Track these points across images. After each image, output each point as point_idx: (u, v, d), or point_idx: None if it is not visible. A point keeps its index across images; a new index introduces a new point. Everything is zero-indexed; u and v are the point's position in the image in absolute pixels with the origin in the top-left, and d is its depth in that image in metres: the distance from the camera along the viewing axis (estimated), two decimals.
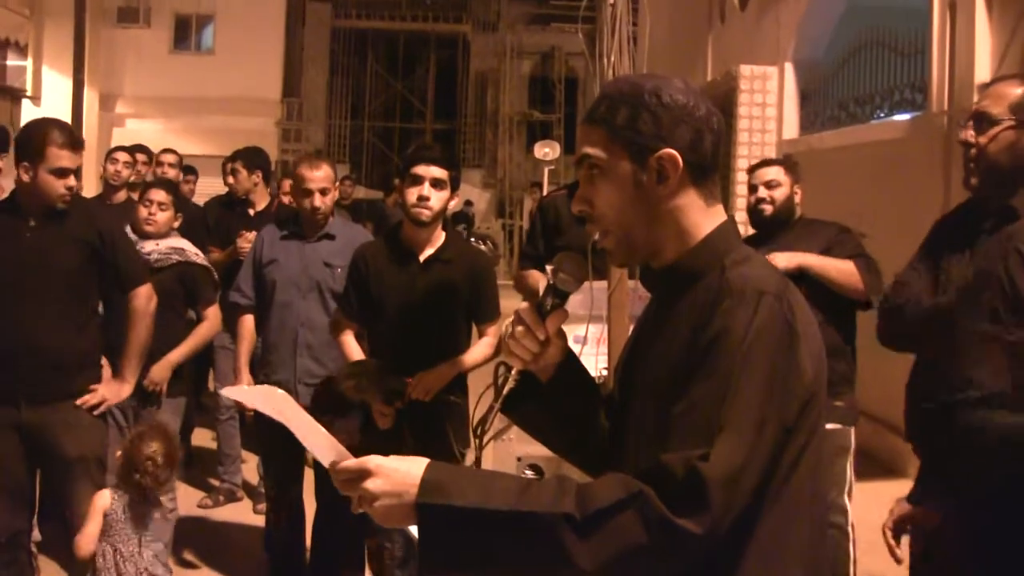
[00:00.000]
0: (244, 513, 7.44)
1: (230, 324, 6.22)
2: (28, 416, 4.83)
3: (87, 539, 4.59)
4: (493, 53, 35.00)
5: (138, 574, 4.60)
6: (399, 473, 1.94)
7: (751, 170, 5.72)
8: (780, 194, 5.44)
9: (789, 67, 11.98)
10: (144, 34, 27.45)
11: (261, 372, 5.87)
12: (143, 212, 5.97)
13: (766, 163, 5.70)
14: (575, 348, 4.39)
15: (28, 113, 21.11)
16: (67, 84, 19.89)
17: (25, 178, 4.81)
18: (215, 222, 7.96)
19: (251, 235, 6.92)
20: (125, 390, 5.13)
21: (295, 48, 30.35)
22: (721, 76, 12.92)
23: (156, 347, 5.57)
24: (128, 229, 5.88)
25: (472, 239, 28.38)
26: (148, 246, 5.88)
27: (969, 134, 3.67)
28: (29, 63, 25.85)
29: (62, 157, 4.79)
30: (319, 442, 2.07)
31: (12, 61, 25.42)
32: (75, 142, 4.89)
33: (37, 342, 4.82)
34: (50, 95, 24.20)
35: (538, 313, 2.25)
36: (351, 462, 1.98)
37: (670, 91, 2.12)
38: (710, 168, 2.15)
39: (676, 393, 1.96)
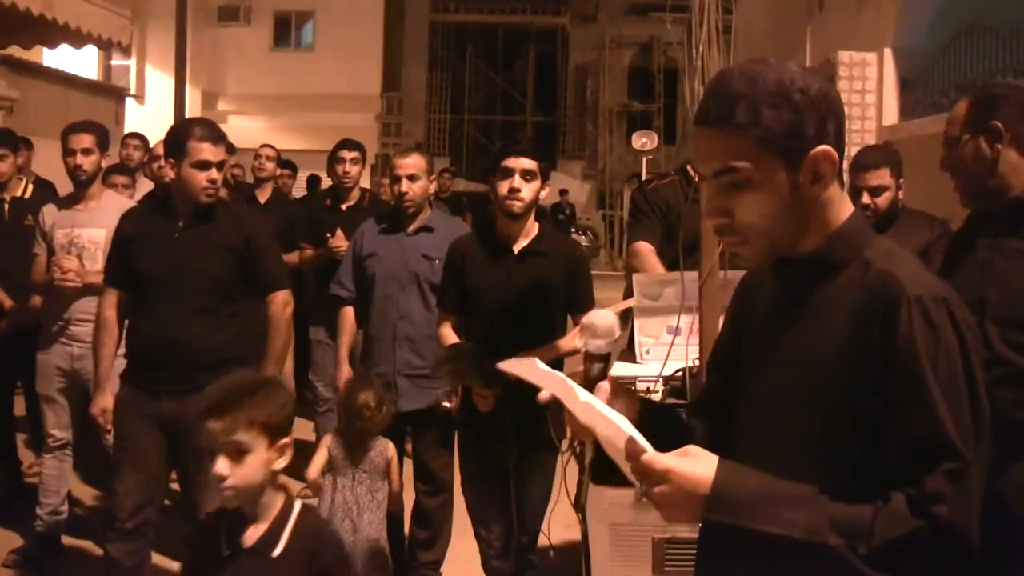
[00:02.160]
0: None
1: (331, 317, 6.29)
2: (168, 408, 4.95)
3: (315, 469, 5.54)
4: (592, 45, 34.94)
5: (347, 501, 5.39)
6: (689, 482, 1.92)
7: (855, 165, 5.41)
8: (884, 200, 5.25)
9: (889, 53, 11.77)
10: (245, 32, 27.87)
11: (362, 365, 5.96)
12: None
13: (871, 159, 5.39)
14: (667, 339, 4.39)
15: (132, 112, 21.55)
16: (170, 83, 20.20)
17: (172, 175, 5.02)
18: (307, 217, 8.00)
19: (340, 236, 7.00)
20: None
21: (394, 43, 30.55)
22: (820, 64, 12.76)
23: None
24: None
25: (573, 230, 28.37)
26: None
27: (943, 160, 3.71)
28: (133, 63, 26.44)
29: (203, 150, 4.94)
30: (598, 420, 2.05)
31: (116, 61, 26.01)
32: (216, 136, 5.03)
33: (179, 339, 4.96)
34: (153, 94, 24.74)
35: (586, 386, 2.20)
36: (645, 457, 1.95)
37: (807, 82, 2.01)
38: (844, 154, 2.07)
39: (849, 399, 1.93)
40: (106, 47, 11.99)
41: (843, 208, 2.08)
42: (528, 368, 2.18)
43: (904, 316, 1.89)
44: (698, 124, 2.08)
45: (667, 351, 4.31)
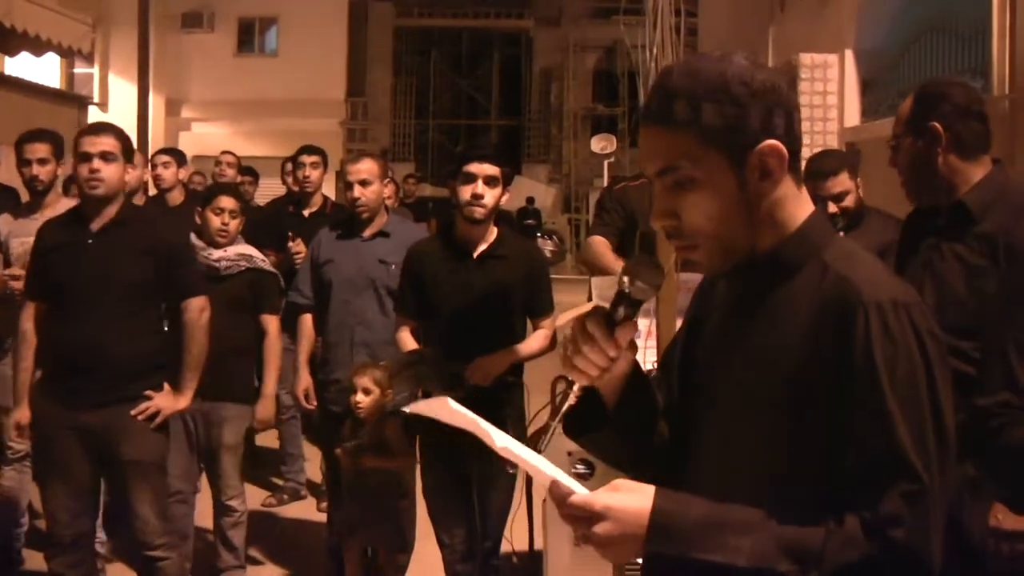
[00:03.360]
0: (308, 511, 7.51)
1: (289, 324, 6.26)
2: (89, 419, 4.92)
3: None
4: (556, 48, 34.95)
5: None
6: (628, 515, 1.80)
7: (812, 173, 5.41)
8: (849, 202, 5.24)
9: (850, 55, 11.81)
10: (209, 38, 27.62)
11: (321, 371, 5.94)
12: (216, 222, 5.98)
13: (828, 166, 5.30)
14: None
15: (93, 119, 21.34)
16: (133, 90, 20.12)
17: (70, 172, 4.99)
18: (269, 223, 7.97)
19: (299, 243, 6.98)
20: (182, 402, 5.19)
21: (359, 48, 30.42)
22: (782, 65, 12.79)
23: (228, 352, 5.71)
24: (193, 236, 5.97)
25: (540, 235, 28.37)
26: (216, 253, 5.93)
27: (891, 160, 3.67)
28: (96, 71, 26.25)
29: (82, 143, 4.93)
30: (525, 459, 1.92)
31: (80, 69, 25.81)
32: (98, 128, 5.06)
33: (98, 347, 4.90)
34: (117, 102, 24.49)
35: (608, 324, 2.05)
36: (577, 499, 1.82)
37: (752, 74, 1.90)
38: (799, 150, 1.96)
39: (803, 411, 1.81)
40: (67, 55, 11.93)
41: (800, 207, 1.97)
42: (440, 408, 2.05)
43: (861, 324, 1.78)
44: (641, 122, 1.99)
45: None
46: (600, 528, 1.80)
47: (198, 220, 6.12)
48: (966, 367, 3.26)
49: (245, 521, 6.16)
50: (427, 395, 4.97)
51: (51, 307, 5.08)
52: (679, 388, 2.16)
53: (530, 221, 29.41)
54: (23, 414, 5.11)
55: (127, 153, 5.07)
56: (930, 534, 1.75)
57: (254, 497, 7.69)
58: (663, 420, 2.21)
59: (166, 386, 5.15)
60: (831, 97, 11.80)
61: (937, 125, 3.46)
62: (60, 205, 6.30)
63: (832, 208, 5.20)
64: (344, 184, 5.88)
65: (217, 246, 5.94)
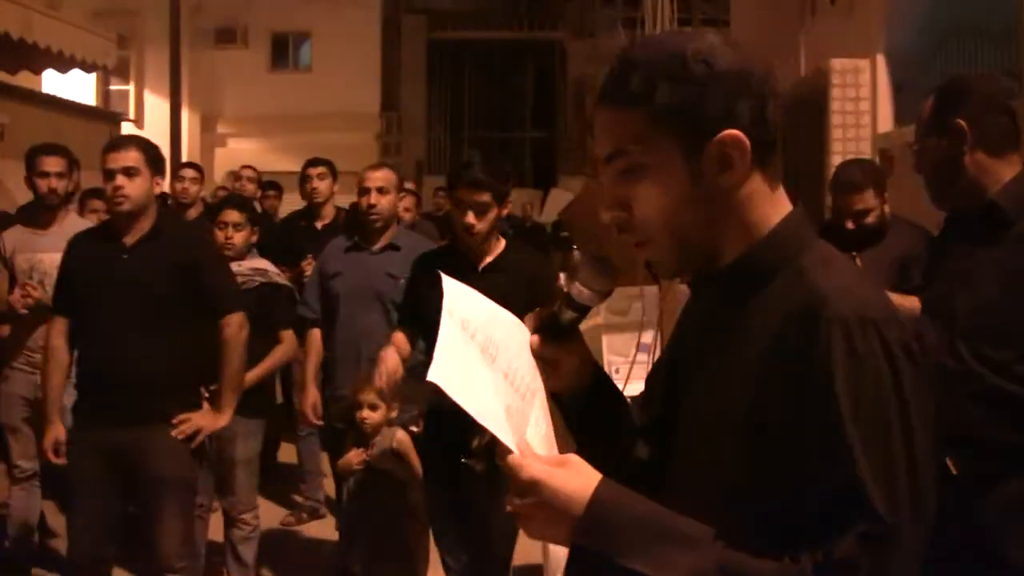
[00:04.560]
0: (326, 530, 7.39)
1: (298, 338, 6.16)
2: (120, 437, 4.84)
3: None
4: (590, 59, 34.77)
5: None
6: (560, 498, 1.60)
7: (837, 182, 5.15)
8: (871, 219, 5.04)
9: (881, 59, 11.64)
10: (242, 54, 27.75)
11: (327, 387, 5.84)
12: (219, 236, 5.90)
13: (853, 179, 5.10)
14: (639, 357, 4.21)
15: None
16: (167, 107, 20.14)
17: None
18: (282, 237, 7.89)
19: (310, 261, 6.89)
20: (221, 420, 5.10)
21: (392, 62, 30.45)
22: (812, 72, 12.65)
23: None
24: None
25: (575, 247, 28.20)
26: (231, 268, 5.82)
27: (915, 166, 3.47)
28: (131, 88, 26.39)
29: (105, 160, 4.85)
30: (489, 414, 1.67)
31: (115, 86, 25.96)
32: (119, 144, 4.95)
33: (129, 362, 4.81)
34: (151, 118, 24.61)
35: (549, 327, 1.92)
36: (512, 459, 1.62)
37: (719, 52, 1.67)
38: (775, 143, 1.72)
39: (763, 447, 1.59)
40: (91, 70, 11.91)
41: (773, 208, 1.74)
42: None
43: (822, 342, 1.55)
44: (597, 101, 1.79)
45: (628, 370, 4.14)
46: (522, 501, 1.63)
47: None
48: (1017, 387, 3.07)
49: (257, 537, 6.06)
50: (432, 410, 4.85)
51: (82, 323, 5.00)
52: (661, 405, 1.95)
53: (565, 233, 29.26)
54: (57, 431, 5.02)
55: (154, 164, 4.94)
56: None
57: (274, 515, 7.61)
58: (641, 438, 2.00)
59: (205, 404, 5.08)
60: (863, 103, 11.64)
61: (961, 122, 3.25)
62: (69, 221, 6.24)
63: (849, 225, 5.01)
64: (360, 190, 5.75)
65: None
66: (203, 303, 5.01)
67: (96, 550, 4.94)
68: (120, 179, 4.80)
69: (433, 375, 1.65)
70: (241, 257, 5.91)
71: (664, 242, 1.74)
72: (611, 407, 2.01)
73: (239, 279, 5.76)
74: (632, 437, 2.00)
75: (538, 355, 1.91)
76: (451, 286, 1.94)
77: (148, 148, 4.97)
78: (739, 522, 1.61)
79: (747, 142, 1.67)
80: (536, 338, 1.92)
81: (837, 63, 11.70)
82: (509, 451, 1.64)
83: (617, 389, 2.07)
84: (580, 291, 1.88)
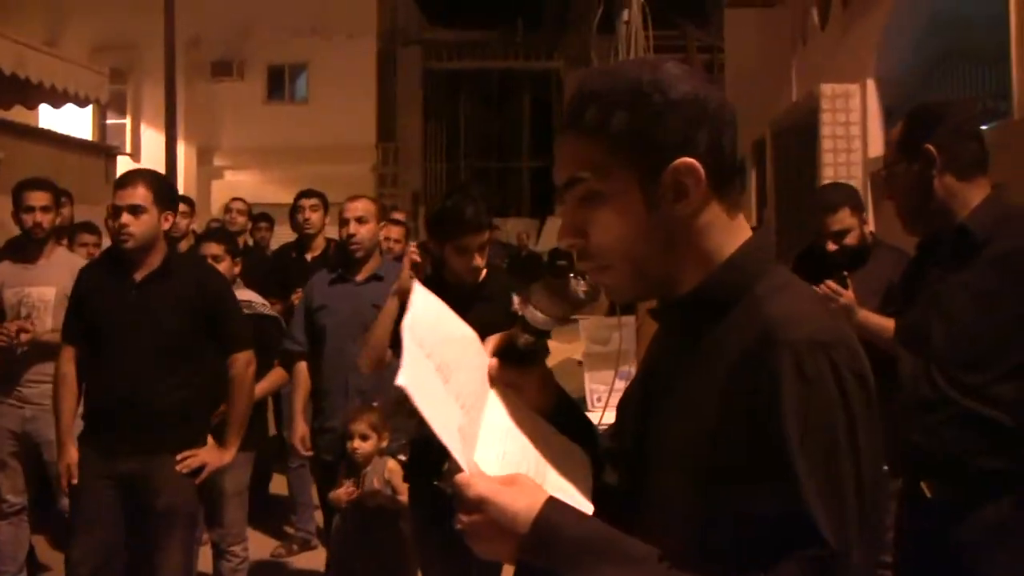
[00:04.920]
0: (317, 561, 7.34)
1: (286, 372, 6.16)
2: (126, 467, 4.85)
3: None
4: None
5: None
6: (505, 515, 1.61)
7: (815, 204, 5.24)
8: (851, 239, 5.09)
9: (871, 84, 11.68)
10: (239, 87, 27.88)
11: (315, 420, 5.82)
12: None
13: (829, 199, 5.18)
14: (619, 386, 4.19)
15: (124, 170, 21.46)
16: (163, 140, 20.18)
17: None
18: (273, 269, 7.91)
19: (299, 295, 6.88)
20: (227, 456, 5.10)
21: (388, 93, 30.56)
22: (803, 96, 12.69)
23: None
24: None
25: (572, 276, 28.24)
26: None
27: (885, 192, 3.53)
28: (128, 121, 26.47)
29: (115, 196, 4.87)
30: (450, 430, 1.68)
31: (112, 120, 26.04)
32: (126, 181, 4.91)
33: (136, 396, 4.82)
34: (148, 152, 24.69)
35: (508, 351, 1.90)
36: (460, 478, 1.63)
37: (674, 82, 1.69)
38: (731, 172, 1.73)
39: (716, 472, 1.58)
40: (84, 104, 11.95)
41: (731, 236, 1.73)
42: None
43: (771, 367, 1.55)
44: (558, 130, 1.80)
45: (606, 399, 4.13)
46: (468, 518, 1.63)
47: None
48: (990, 410, 3.11)
49: (246, 569, 6.05)
50: (418, 439, 4.83)
51: (90, 352, 5.01)
52: (630, 432, 1.92)
53: (562, 262, 29.27)
54: (72, 456, 4.97)
55: (163, 200, 4.90)
56: None
57: (265, 546, 7.58)
58: (608, 463, 1.99)
59: (210, 440, 5.08)
60: (854, 127, 11.67)
61: (930, 147, 3.29)
62: (57, 255, 6.26)
63: (831, 247, 5.04)
64: (340, 221, 5.77)
65: None
66: (211, 339, 5.03)
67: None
68: (125, 217, 4.79)
69: (402, 380, 1.64)
70: None
71: (621, 269, 1.74)
72: (576, 431, 1.99)
73: None
74: (598, 462, 1.98)
75: (497, 380, 1.90)
76: (419, 298, 1.91)
77: (157, 185, 4.94)
78: (694, 547, 1.61)
79: (702, 170, 1.67)
80: (495, 362, 1.91)
81: (828, 88, 11.75)
82: (459, 469, 1.65)
83: (582, 413, 2.06)
84: (535, 315, 1.87)
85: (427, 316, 1.89)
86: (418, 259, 4.77)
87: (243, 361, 5.10)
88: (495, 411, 1.86)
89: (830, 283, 4.32)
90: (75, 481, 4.98)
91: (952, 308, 3.24)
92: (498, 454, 1.75)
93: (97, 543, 4.92)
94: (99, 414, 4.97)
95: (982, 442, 3.11)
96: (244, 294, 5.99)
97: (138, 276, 4.91)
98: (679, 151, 1.67)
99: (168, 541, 4.92)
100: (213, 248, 5.97)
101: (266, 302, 6.22)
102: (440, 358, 1.79)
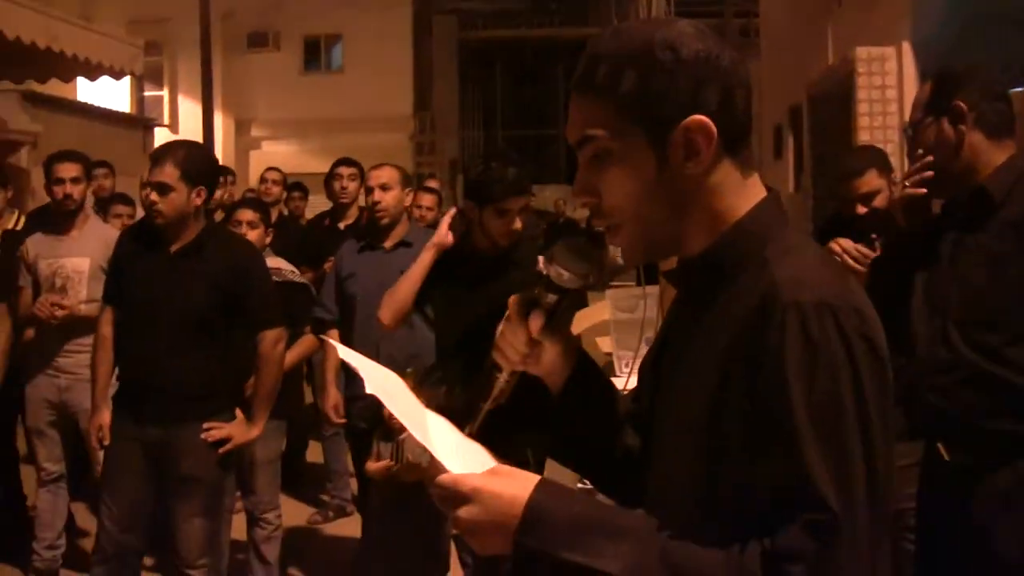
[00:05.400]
0: (353, 528, 7.40)
1: (317, 340, 6.19)
2: (154, 432, 4.90)
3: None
4: None
5: None
6: (500, 501, 1.62)
7: (840, 174, 5.14)
8: (879, 201, 4.92)
9: (907, 47, 11.55)
10: (275, 58, 28.00)
11: (346, 388, 5.85)
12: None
13: (855, 165, 5.05)
14: (644, 352, 4.20)
15: (162, 141, 21.61)
16: (200, 112, 20.30)
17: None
18: (306, 238, 7.94)
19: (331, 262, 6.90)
20: (253, 432, 5.12)
21: (424, 62, 30.52)
22: (839, 61, 12.58)
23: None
24: None
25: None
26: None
27: (909, 152, 3.49)
28: (165, 93, 26.62)
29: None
30: (425, 437, 1.75)
31: (149, 92, 26.19)
32: (157, 157, 4.91)
33: (163, 369, 4.86)
34: (186, 123, 24.84)
35: (527, 308, 1.90)
36: (445, 479, 1.66)
37: (685, 40, 1.67)
38: (745, 131, 1.71)
39: (720, 436, 1.58)
40: (119, 76, 11.99)
41: (743, 197, 1.71)
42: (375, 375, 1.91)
43: (775, 329, 1.53)
44: (572, 89, 1.79)
45: (633, 365, 4.14)
46: (465, 511, 1.63)
47: None
48: (1004, 371, 3.08)
49: (279, 536, 6.08)
50: (450, 405, 4.83)
51: (123, 319, 5.07)
52: (647, 398, 1.94)
53: (599, 229, 29.30)
54: (104, 417, 5.04)
55: (194, 176, 4.85)
56: (840, 572, 1.50)
57: (301, 514, 7.65)
58: (631, 426, 2.00)
59: (239, 414, 5.09)
60: (890, 91, 11.55)
61: (961, 103, 3.27)
62: (89, 226, 6.31)
63: (860, 210, 4.97)
64: (365, 189, 5.81)
65: None
66: (241, 316, 5.04)
67: (122, 539, 4.98)
68: (153, 195, 4.82)
69: (370, 388, 1.73)
70: None
71: (631, 228, 1.74)
72: (597, 394, 2.00)
73: None
74: (621, 425, 2.00)
75: (519, 336, 1.91)
76: (341, 350, 2.04)
77: (188, 161, 4.87)
78: (699, 511, 1.62)
79: (713, 128, 1.65)
80: (530, 321, 1.91)
81: (863, 51, 11.62)
82: (442, 471, 1.67)
83: (604, 376, 2.06)
84: (559, 273, 1.87)
85: (352, 357, 1.97)
86: (457, 219, 4.75)
87: (271, 339, 5.09)
88: (438, 425, 1.90)
89: (840, 241, 4.21)
90: (106, 442, 5.03)
91: (968, 269, 3.22)
92: (462, 460, 1.76)
93: (127, 504, 4.98)
94: (130, 379, 5.04)
95: (997, 404, 3.09)
96: (274, 261, 6.00)
97: (173, 248, 4.92)
98: (689, 110, 1.65)
99: (189, 507, 4.96)
100: (248, 215, 5.97)
101: (295, 269, 6.23)
102: (384, 381, 1.87)
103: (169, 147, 5.04)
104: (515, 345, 1.91)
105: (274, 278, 5.79)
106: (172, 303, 4.88)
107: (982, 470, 3.14)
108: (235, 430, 5.01)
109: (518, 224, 4.51)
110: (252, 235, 5.84)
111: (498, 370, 1.94)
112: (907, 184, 3.47)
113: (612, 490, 2.05)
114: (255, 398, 5.12)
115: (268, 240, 6.06)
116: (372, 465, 5.08)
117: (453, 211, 4.97)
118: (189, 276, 4.89)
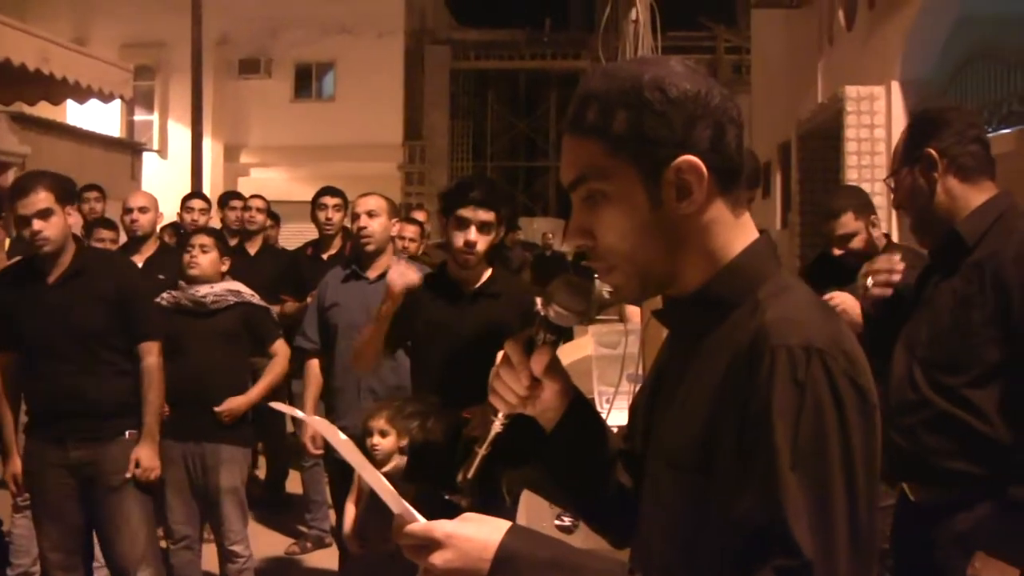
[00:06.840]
0: (331, 560, 7.34)
1: (297, 370, 6.15)
2: (76, 454, 5.05)
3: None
4: None
5: None
6: (472, 545, 1.61)
7: (820, 214, 5.23)
8: (856, 244, 5.03)
9: (896, 86, 11.60)
10: (266, 84, 27.99)
11: (327, 418, 5.80)
12: (186, 257, 5.94)
13: (832, 205, 5.14)
14: (625, 387, 4.16)
15: (152, 167, 21.74)
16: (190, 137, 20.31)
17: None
18: (289, 268, 7.86)
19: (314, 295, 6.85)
20: (146, 449, 5.16)
21: (415, 91, 30.55)
22: (829, 99, 12.63)
23: (223, 390, 5.78)
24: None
25: (596, 276, 28.16)
26: (203, 289, 5.84)
27: (893, 201, 3.52)
28: (156, 118, 26.61)
29: (16, 207, 4.87)
30: (382, 489, 1.76)
31: (139, 116, 26.19)
32: (26, 189, 4.90)
33: (75, 393, 4.98)
34: (175, 148, 24.81)
35: (527, 349, 1.89)
36: (417, 527, 1.65)
37: (674, 79, 1.67)
38: (736, 170, 1.72)
39: (706, 476, 1.59)
40: (109, 100, 11.94)
41: (736, 236, 1.73)
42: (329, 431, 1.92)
43: (764, 371, 1.53)
44: (564, 132, 1.80)
45: (613, 400, 4.10)
46: (439, 557, 1.62)
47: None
48: (964, 413, 3.11)
49: (251, 568, 6.02)
50: (424, 438, 4.79)
51: (21, 358, 5.15)
52: (639, 436, 1.95)
53: (587, 262, 29.29)
54: (15, 465, 5.19)
55: (64, 197, 4.96)
56: None
57: (279, 544, 7.59)
58: (622, 464, 2.00)
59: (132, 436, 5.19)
60: (879, 130, 11.59)
61: (931, 150, 3.29)
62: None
63: (836, 252, 4.99)
64: (351, 216, 5.84)
65: (195, 281, 5.88)
66: (125, 331, 5.13)
67: (68, 564, 5.17)
68: (37, 223, 4.84)
69: (336, 445, 1.76)
70: (213, 280, 5.92)
71: (626, 269, 1.74)
72: (591, 430, 1.99)
73: (211, 298, 5.83)
74: (613, 461, 2.00)
75: (518, 378, 1.89)
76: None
77: (55, 184, 4.97)
78: (683, 550, 1.64)
79: (704, 168, 1.66)
80: (533, 361, 1.89)
81: (852, 90, 11.68)
82: (410, 521, 1.67)
83: (597, 414, 2.05)
84: (559, 313, 1.87)
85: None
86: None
87: (153, 351, 5.18)
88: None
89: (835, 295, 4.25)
90: (24, 493, 5.25)
91: (938, 312, 3.27)
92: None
93: (65, 528, 5.14)
94: (44, 410, 5.13)
95: (953, 445, 3.13)
96: (232, 284, 5.98)
97: (51, 278, 5.01)
98: (681, 149, 1.66)
99: (122, 515, 5.10)
100: (202, 239, 6.01)
101: (254, 293, 6.13)
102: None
103: (32, 176, 5.13)
104: (514, 388, 1.89)
105: (232, 299, 5.81)
106: (70, 329, 4.98)
107: (944, 512, 3.17)
108: (139, 452, 5.10)
109: (473, 236, 4.51)
110: (203, 259, 5.84)
111: (494, 414, 1.92)
112: (872, 285, 3.54)
113: (604, 527, 2.05)
114: (145, 414, 5.15)
115: (225, 267, 6.02)
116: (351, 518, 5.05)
117: (401, 262, 5.00)
118: (80, 300, 5.00)
